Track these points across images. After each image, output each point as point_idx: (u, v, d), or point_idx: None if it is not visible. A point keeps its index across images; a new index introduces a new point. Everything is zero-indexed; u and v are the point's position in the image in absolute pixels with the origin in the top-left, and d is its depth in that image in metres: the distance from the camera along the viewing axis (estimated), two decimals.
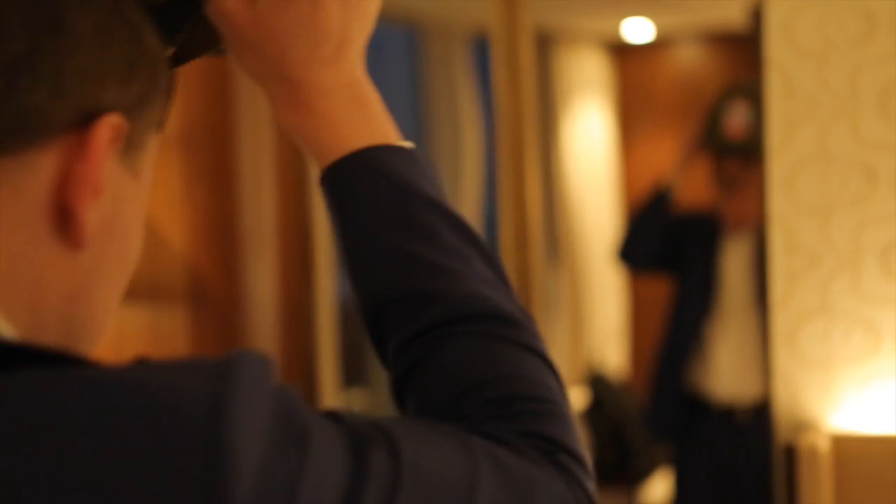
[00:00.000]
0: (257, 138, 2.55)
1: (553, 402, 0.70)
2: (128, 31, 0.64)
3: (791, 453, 2.29)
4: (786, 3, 2.39)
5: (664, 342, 3.51)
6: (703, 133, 3.29)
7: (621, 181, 5.51)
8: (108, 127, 0.62)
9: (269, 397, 0.57)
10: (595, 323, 5.14)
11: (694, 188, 3.57)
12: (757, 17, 4.82)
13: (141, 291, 2.18)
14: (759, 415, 3.13)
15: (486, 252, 0.73)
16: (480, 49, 4.89)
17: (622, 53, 5.52)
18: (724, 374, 3.28)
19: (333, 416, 0.62)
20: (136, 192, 0.67)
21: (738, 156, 3.17)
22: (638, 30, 5.33)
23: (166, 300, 2.33)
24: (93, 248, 0.64)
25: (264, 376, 0.57)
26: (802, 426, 2.42)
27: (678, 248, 3.40)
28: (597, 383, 4.65)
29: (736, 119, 3.15)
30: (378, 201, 0.71)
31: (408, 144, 0.74)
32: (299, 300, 2.70)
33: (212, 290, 2.52)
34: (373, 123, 0.73)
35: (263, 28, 0.71)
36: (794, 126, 2.39)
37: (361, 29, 0.74)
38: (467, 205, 4.59)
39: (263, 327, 2.59)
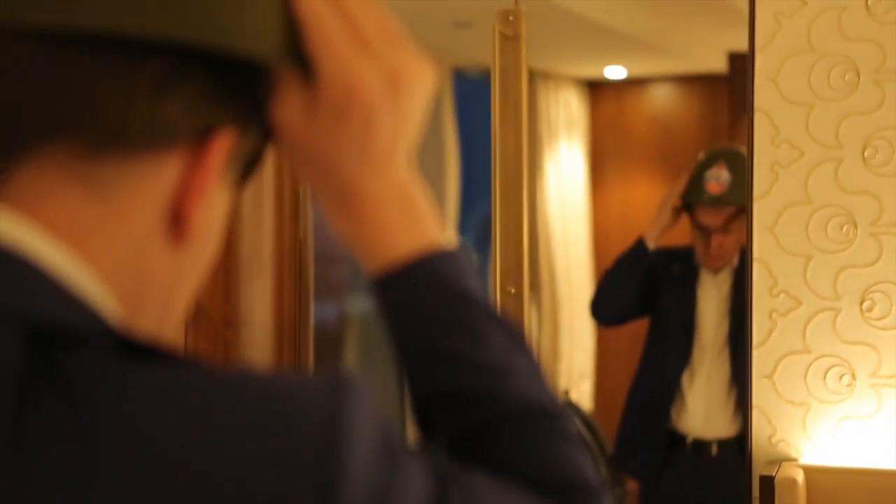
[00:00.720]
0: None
1: (593, 483, 0.76)
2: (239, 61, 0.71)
3: (767, 485, 2.37)
4: (773, 54, 2.50)
5: (639, 380, 3.55)
6: (685, 194, 3.39)
7: (592, 217, 5.60)
8: (224, 140, 0.70)
9: (375, 413, 0.64)
10: (568, 357, 5.22)
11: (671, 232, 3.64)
12: (735, 62, 4.96)
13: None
14: (732, 449, 3.21)
15: (525, 346, 0.79)
16: (459, 83, 5.04)
17: (596, 91, 5.62)
18: (697, 411, 3.34)
19: (418, 446, 0.69)
20: (225, 200, 0.75)
21: (717, 208, 3.29)
22: (614, 70, 5.45)
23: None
24: (189, 247, 0.71)
25: (370, 394, 0.64)
26: (778, 460, 2.51)
27: (655, 288, 3.46)
28: (574, 414, 4.73)
29: (717, 179, 3.29)
30: (432, 309, 0.76)
31: (451, 243, 0.79)
32: (292, 323, 2.76)
33: (209, 311, 2.59)
34: (420, 224, 0.77)
35: (320, 142, 0.73)
36: (778, 172, 2.49)
37: (408, 137, 0.76)
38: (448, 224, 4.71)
39: (257, 348, 2.65)
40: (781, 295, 2.49)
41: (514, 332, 0.78)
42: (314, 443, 0.60)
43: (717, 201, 3.29)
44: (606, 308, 3.59)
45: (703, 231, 3.35)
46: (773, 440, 2.52)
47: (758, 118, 2.49)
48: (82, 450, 0.57)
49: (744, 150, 2.59)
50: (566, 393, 4.97)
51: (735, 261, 3.31)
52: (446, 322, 0.75)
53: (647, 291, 3.46)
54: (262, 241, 2.69)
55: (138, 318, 0.69)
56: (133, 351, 0.62)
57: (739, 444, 3.04)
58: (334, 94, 0.71)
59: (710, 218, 3.31)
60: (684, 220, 3.46)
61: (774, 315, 2.50)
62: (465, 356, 0.75)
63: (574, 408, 4.86)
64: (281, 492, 0.59)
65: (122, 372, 0.60)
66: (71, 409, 0.58)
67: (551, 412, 0.77)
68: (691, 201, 3.36)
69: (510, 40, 2.51)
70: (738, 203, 3.07)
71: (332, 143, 0.73)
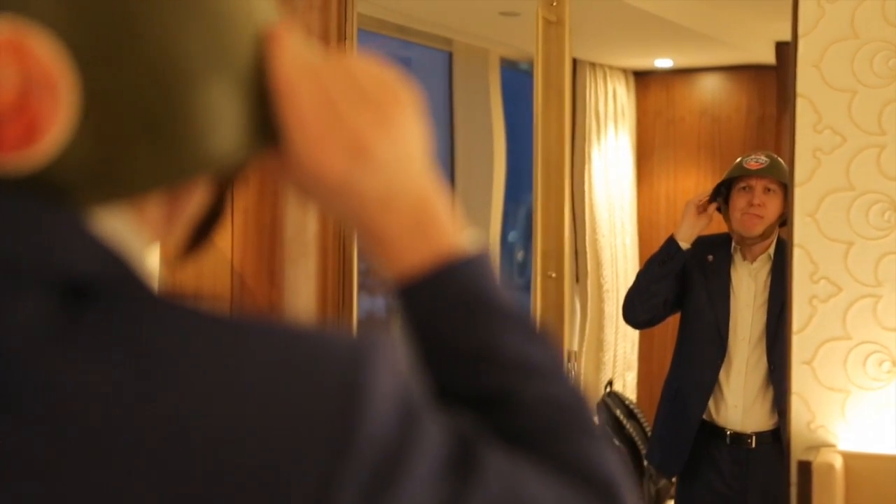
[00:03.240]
0: None
1: (612, 477, 0.77)
2: None
3: (805, 470, 2.38)
4: (816, 40, 2.50)
5: (672, 374, 3.52)
6: (727, 174, 3.35)
7: (639, 207, 5.60)
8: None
9: (396, 372, 0.66)
10: (613, 348, 5.22)
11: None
12: (783, 52, 4.93)
13: (189, 292, 2.28)
14: (769, 441, 3.18)
15: (544, 342, 0.79)
16: (507, 74, 5.06)
17: (644, 81, 5.62)
18: (735, 404, 3.31)
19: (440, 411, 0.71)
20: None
21: (753, 188, 3.25)
22: (663, 61, 5.45)
23: (212, 301, 2.42)
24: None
25: (395, 354, 0.67)
26: (816, 445, 2.51)
27: (686, 283, 3.40)
28: (617, 404, 4.74)
29: (756, 161, 3.26)
30: (447, 318, 0.76)
31: (469, 247, 0.78)
32: (335, 309, 2.80)
33: (255, 293, 2.63)
34: (434, 234, 0.77)
35: (310, 197, 0.77)
36: (820, 158, 2.49)
37: (410, 160, 0.76)
38: (495, 215, 4.78)
39: None
40: (822, 281, 2.49)
41: (532, 330, 0.79)
42: (334, 391, 0.63)
43: (756, 172, 3.24)
44: (636, 311, 3.53)
45: (745, 206, 3.29)
46: (812, 426, 2.52)
47: (800, 104, 2.49)
48: (129, 378, 0.60)
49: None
50: (610, 383, 4.96)
51: (771, 249, 3.27)
52: (461, 328, 0.77)
53: (678, 289, 3.42)
54: (305, 227, 2.73)
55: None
56: (162, 299, 0.65)
57: (777, 436, 3.02)
58: (305, 179, 0.73)
59: (745, 198, 3.26)
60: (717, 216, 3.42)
61: (815, 301, 2.50)
62: (482, 358, 0.76)
63: (618, 398, 4.85)
64: (299, 434, 0.62)
65: (163, 315, 0.63)
66: (114, 349, 0.61)
67: (571, 407, 0.78)
68: (732, 177, 3.31)
69: (553, 25, 2.52)
70: (776, 176, 3.05)
71: (322, 203, 0.76)
